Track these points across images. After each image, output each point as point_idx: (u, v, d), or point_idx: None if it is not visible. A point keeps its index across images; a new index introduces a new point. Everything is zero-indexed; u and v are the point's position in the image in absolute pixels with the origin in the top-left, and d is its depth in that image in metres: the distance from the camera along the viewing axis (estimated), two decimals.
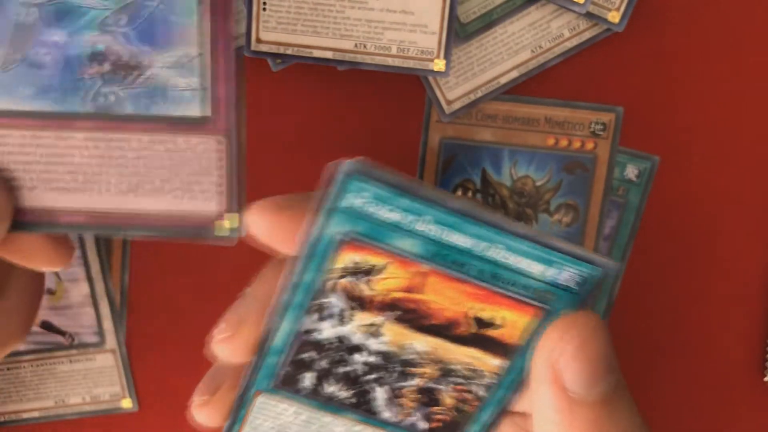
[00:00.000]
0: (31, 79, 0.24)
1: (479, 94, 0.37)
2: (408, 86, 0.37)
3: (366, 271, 0.24)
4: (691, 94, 0.38)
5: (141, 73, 0.25)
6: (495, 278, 0.24)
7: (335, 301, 0.25)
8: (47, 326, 0.39)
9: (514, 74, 0.37)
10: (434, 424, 0.28)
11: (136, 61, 0.25)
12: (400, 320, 0.25)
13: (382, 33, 0.34)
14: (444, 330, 0.26)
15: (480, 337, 0.26)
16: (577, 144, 0.38)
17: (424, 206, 0.23)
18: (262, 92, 0.37)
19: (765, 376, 0.40)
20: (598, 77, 0.37)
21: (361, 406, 0.27)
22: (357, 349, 0.26)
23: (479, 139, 0.38)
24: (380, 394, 0.27)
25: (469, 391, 0.27)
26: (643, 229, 0.39)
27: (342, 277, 0.25)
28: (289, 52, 0.34)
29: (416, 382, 0.27)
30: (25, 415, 0.39)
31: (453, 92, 0.37)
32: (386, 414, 0.27)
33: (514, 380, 0.26)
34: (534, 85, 0.37)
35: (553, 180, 0.38)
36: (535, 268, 0.24)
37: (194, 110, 0.25)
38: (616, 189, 0.38)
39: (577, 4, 0.34)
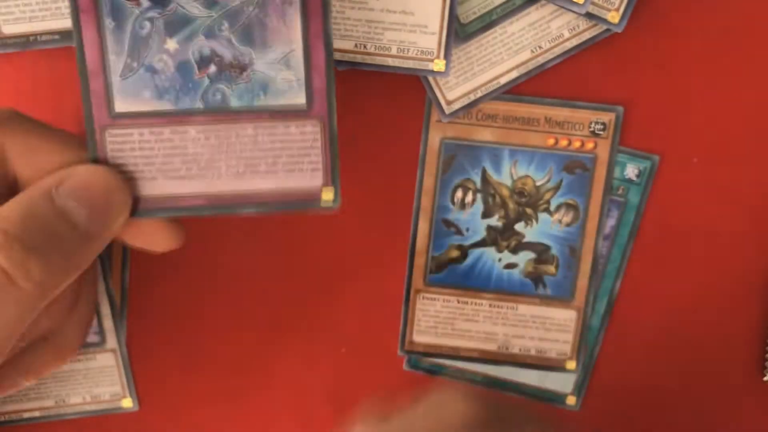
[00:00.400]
0: (149, 83, 0.28)
1: (479, 94, 0.37)
2: (408, 86, 0.37)
3: None
4: (690, 93, 0.38)
5: (244, 71, 0.28)
6: None
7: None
8: None
9: (514, 74, 0.37)
10: None
11: (239, 61, 0.28)
12: None
13: (382, 33, 0.34)
14: None
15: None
16: (577, 144, 0.38)
17: None
18: None
19: (764, 375, 0.40)
20: (597, 77, 0.37)
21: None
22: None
23: (479, 139, 0.38)
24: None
25: None
26: (643, 229, 0.39)
27: None
28: None
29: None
30: (26, 415, 0.39)
31: (453, 92, 0.37)
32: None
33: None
34: (534, 85, 0.37)
35: (553, 180, 0.38)
36: None
37: (293, 100, 0.29)
38: (616, 188, 0.38)
39: (577, 4, 0.34)
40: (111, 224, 0.28)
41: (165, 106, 0.28)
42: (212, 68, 0.28)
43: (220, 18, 0.28)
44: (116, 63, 0.28)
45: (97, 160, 0.28)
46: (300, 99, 0.29)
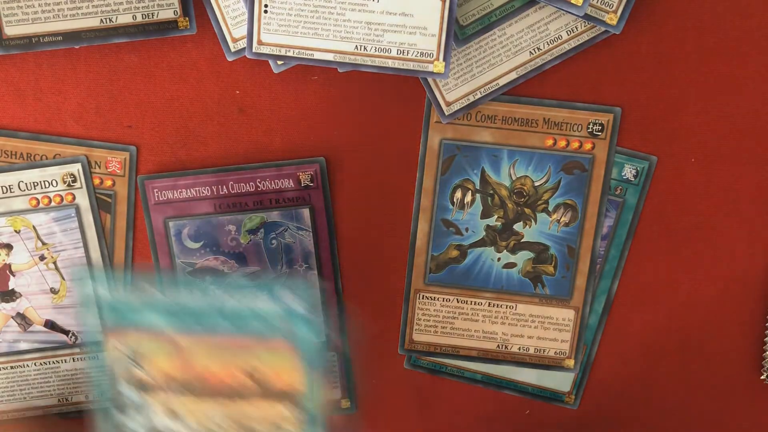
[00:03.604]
0: None
1: (478, 95, 0.37)
2: (408, 88, 0.37)
3: (132, 358, 0.27)
4: (688, 94, 0.38)
5: None
6: (236, 324, 0.27)
7: (126, 392, 0.28)
8: (51, 325, 0.39)
9: (513, 76, 0.37)
10: None
11: None
12: (187, 394, 0.28)
13: (382, 35, 0.34)
14: (227, 392, 0.28)
15: (260, 387, 0.28)
16: (575, 144, 0.38)
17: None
18: (264, 93, 0.38)
19: (762, 375, 0.40)
20: (596, 78, 0.38)
21: None
22: None
23: (478, 140, 0.38)
24: None
25: None
26: (641, 229, 0.39)
27: (115, 369, 0.28)
28: (290, 54, 0.34)
29: None
30: (29, 414, 0.40)
31: (452, 94, 0.37)
32: None
33: (314, 424, 0.28)
34: (533, 86, 0.38)
35: (551, 180, 0.38)
36: (260, 302, 0.27)
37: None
38: (614, 189, 0.39)
39: (576, 6, 0.34)
40: None
41: None
42: None
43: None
44: None
45: None
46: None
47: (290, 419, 0.28)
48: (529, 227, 0.39)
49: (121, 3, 0.36)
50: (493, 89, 0.37)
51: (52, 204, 0.38)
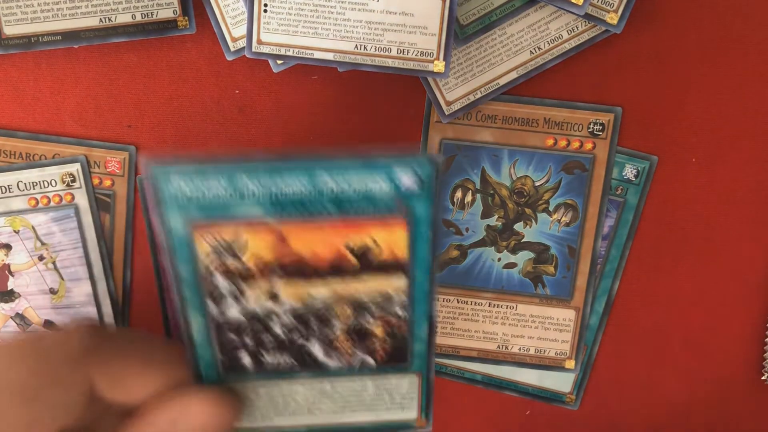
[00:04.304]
0: None
1: (479, 95, 0.37)
2: (408, 87, 0.37)
3: (227, 248, 0.26)
4: (689, 94, 0.38)
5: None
6: (342, 207, 0.25)
7: (221, 283, 0.27)
8: (50, 326, 0.39)
9: (514, 75, 0.37)
10: (380, 356, 0.29)
11: None
12: (287, 278, 0.27)
13: (382, 34, 0.34)
14: (332, 271, 0.27)
15: (366, 263, 0.27)
16: (575, 144, 0.38)
17: (233, 170, 0.25)
18: (264, 93, 0.38)
19: (763, 375, 0.40)
20: (596, 78, 0.38)
21: (307, 365, 0.29)
22: (268, 316, 0.28)
23: (479, 140, 0.38)
24: (316, 348, 0.28)
25: (391, 315, 0.28)
26: (642, 229, 0.39)
27: (211, 260, 0.26)
28: (290, 53, 0.34)
29: (339, 326, 0.28)
30: None
31: (453, 93, 0.37)
32: (333, 362, 0.29)
33: (426, 291, 0.28)
34: (533, 86, 0.38)
35: (552, 180, 0.38)
36: (373, 184, 0.25)
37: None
38: (614, 189, 0.38)
39: (576, 5, 0.34)
40: None
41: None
42: None
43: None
44: None
45: (199, 375, 0.28)
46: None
47: (402, 288, 0.27)
48: (530, 227, 0.39)
49: (120, 2, 0.36)
50: (494, 89, 0.37)
51: (51, 204, 0.38)
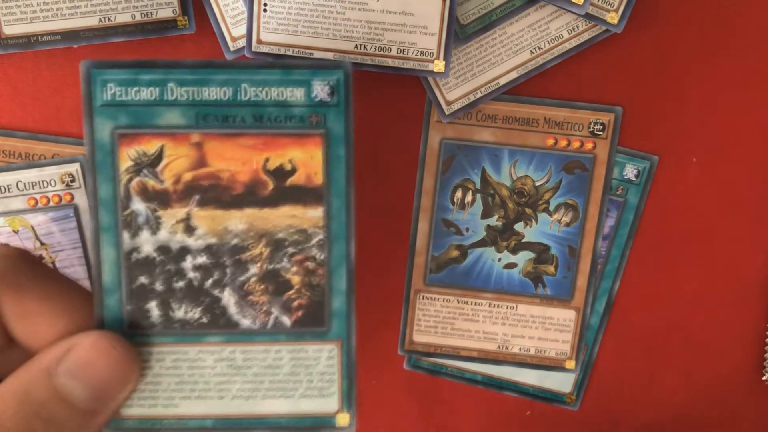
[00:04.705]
0: None
1: (479, 94, 0.37)
2: (408, 87, 0.37)
3: (149, 164, 0.26)
4: (689, 94, 0.38)
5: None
6: (260, 120, 0.26)
7: (137, 208, 0.26)
8: None
9: (514, 75, 0.37)
10: (297, 314, 0.27)
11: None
12: (204, 203, 0.26)
13: (382, 34, 0.34)
14: (249, 197, 0.26)
15: (283, 189, 0.26)
16: (576, 144, 0.38)
17: (164, 73, 0.25)
18: None
19: (764, 375, 0.40)
20: (597, 78, 0.38)
21: (219, 322, 0.27)
22: (181, 254, 0.26)
23: (479, 140, 0.38)
24: (229, 299, 0.27)
25: (308, 258, 0.27)
26: (642, 229, 0.39)
27: (130, 179, 0.26)
28: (289, 53, 0.34)
29: (254, 270, 0.27)
30: None
31: (453, 93, 0.37)
32: (246, 321, 0.27)
33: (343, 225, 0.27)
34: (533, 85, 0.38)
35: (552, 180, 0.38)
36: (289, 94, 0.26)
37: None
38: (615, 189, 0.38)
39: (576, 5, 0.34)
40: (115, 401, 0.26)
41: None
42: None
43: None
44: None
45: (102, 325, 0.26)
46: None
47: (318, 222, 0.26)
48: (530, 227, 0.38)
49: (119, 2, 0.35)
50: (494, 88, 0.37)
51: (51, 204, 0.38)
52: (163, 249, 0.26)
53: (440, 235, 0.39)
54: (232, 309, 0.27)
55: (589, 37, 0.36)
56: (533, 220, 0.38)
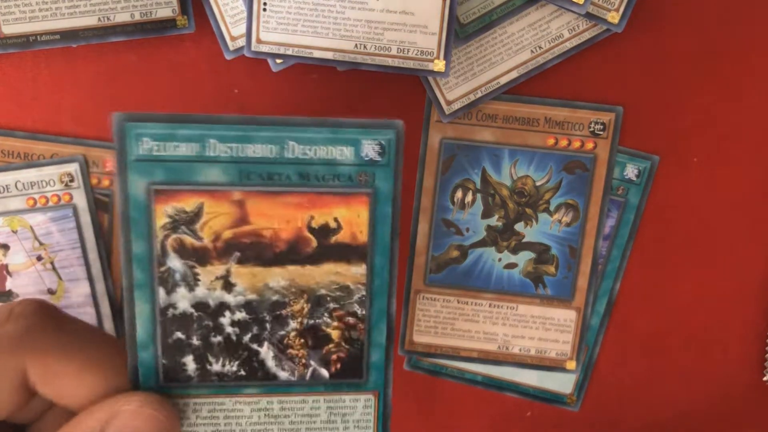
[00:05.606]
0: None
1: (479, 94, 0.37)
2: (408, 86, 0.37)
3: (187, 221, 0.25)
4: (690, 93, 0.38)
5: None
6: (306, 178, 0.25)
7: (174, 265, 0.25)
8: None
9: (514, 74, 0.37)
10: (335, 366, 0.27)
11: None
12: (244, 261, 0.25)
13: (382, 33, 0.34)
14: (291, 255, 0.26)
15: (327, 247, 0.26)
16: (576, 144, 0.38)
17: (204, 129, 0.24)
18: (263, 92, 0.38)
19: (764, 375, 0.40)
20: (597, 77, 0.38)
21: (256, 375, 0.26)
22: (220, 310, 0.26)
23: (479, 139, 0.38)
24: (267, 353, 0.26)
25: (349, 314, 0.26)
26: (643, 229, 0.39)
27: (167, 236, 0.25)
28: (289, 52, 0.34)
29: (294, 325, 0.26)
30: None
31: (453, 92, 0.37)
32: (284, 373, 0.27)
33: (386, 282, 0.26)
34: (534, 85, 0.37)
35: (553, 180, 0.38)
36: (337, 153, 0.25)
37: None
38: (615, 188, 0.38)
39: (577, 4, 0.34)
40: None
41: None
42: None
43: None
44: None
45: (137, 378, 0.26)
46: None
47: (361, 279, 0.26)
48: (530, 227, 0.38)
49: (119, 1, 0.35)
50: (494, 88, 0.37)
51: (50, 204, 0.38)
52: (200, 305, 0.26)
53: (440, 235, 0.39)
54: (270, 362, 0.27)
55: (590, 36, 0.36)
56: (533, 220, 0.38)
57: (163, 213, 0.25)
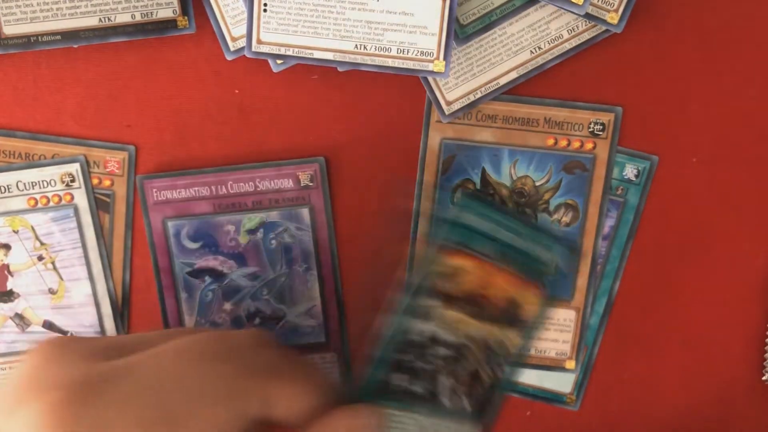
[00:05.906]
0: None
1: (479, 94, 0.37)
2: (408, 87, 0.37)
3: (453, 272, 0.32)
4: (690, 94, 0.38)
5: (280, 321, 0.39)
6: (517, 263, 0.33)
7: (427, 302, 0.32)
8: (49, 326, 0.39)
9: (514, 75, 0.37)
10: (474, 403, 0.32)
11: (276, 314, 0.39)
12: (469, 313, 0.32)
13: (382, 34, 0.34)
14: (496, 317, 0.33)
15: (513, 317, 0.33)
16: (576, 144, 0.38)
17: (507, 219, 0.33)
18: (263, 93, 0.38)
19: (763, 375, 0.40)
20: (597, 78, 0.38)
21: (427, 398, 0.32)
22: (437, 343, 0.32)
23: (479, 140, 0.38)
24: (445, 383, 0.32)
25: (501, 369, 0.33)
26: (642, 229, 0.39)
27: (437, 279, 0.32)
28: (289, 53, 0.34)
29: (468, 367, 0.32)
30: None
31: (453, 93, 0.37)
32: (447, 402, 0.32)
33: (526, 348, 0.33)
34: (533, 85, 0.37)
35: (552, 180, 0.38)
36: (539, 252, 0.33)
37: (316, 339, 0.39)
38: (615, 189, 0.38)
39: (576, 5, 0.34)
40: None
41: None
42: (257, 320, 0.39)
43: (261, 286, 0.38)
44: (189, 321, 0.38)
45: (355, 399, 0.30)
46: (321, 338, 0.39)
47: (515, 347, 0.33)
48: None
49: (119, 2, 0.35)
50: (494, 88, 0.37)
51: (51, 204, 0.38)
52: (431, 338, 0.32)
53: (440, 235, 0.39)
54: (444, 391, 0.32)
55: (589, 37, 0.36)
56: (533, 220, 0.38)
57: (443, 261, 0.33)
